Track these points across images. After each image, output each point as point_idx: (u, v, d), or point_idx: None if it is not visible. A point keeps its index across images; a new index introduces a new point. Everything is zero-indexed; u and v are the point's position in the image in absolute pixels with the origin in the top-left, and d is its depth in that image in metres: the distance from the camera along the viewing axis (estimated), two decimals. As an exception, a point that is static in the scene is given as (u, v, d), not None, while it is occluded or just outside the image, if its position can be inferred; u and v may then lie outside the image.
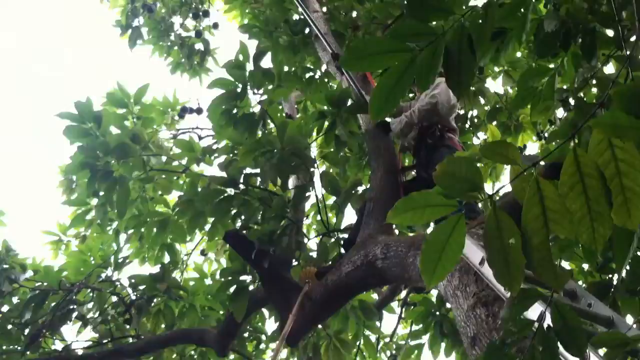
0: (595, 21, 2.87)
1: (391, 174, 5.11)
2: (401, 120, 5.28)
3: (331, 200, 6.43)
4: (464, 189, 1.63)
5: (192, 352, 6.77)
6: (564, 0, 2.59)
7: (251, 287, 5.38)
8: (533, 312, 1.82)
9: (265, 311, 6.69)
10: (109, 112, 6.23)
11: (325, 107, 5.98)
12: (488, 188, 7.29)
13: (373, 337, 6.75)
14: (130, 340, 6.45)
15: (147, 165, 6.17)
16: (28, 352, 6.02)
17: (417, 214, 1.69)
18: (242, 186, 5.49)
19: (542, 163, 1.63)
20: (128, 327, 6.41)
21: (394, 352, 7.58)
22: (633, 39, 2.85)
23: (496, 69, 7.29)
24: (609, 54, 3.18)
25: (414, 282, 3.84)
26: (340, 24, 7.22)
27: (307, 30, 7.38)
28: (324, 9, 7.43)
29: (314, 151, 6.87)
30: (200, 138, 8.08)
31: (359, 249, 4.21)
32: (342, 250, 5.32)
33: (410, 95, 6.14)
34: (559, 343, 1.67)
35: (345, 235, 5.62)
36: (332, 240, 6.00)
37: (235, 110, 5.88)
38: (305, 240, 5.60)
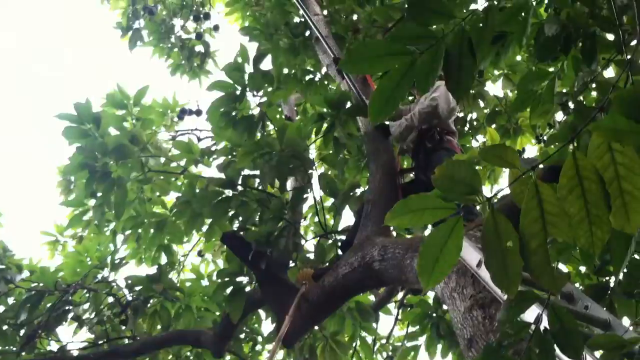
0: (595, 25, 2.88)
1: (390, 176, 5.11)
2: (401, 123, 5.28)
3: (329, 202, 6.43)
4: (462, 192, 1.63)
5: (188, 354, 6.76)
6: (565, 5, 2.59)
7: (248, 289, 5.38)
8: (530, 314, 1.82)
9: (261, 312, 6.69)
10: (108, 113, 6.24)
11: (324, 109, 5.98)
12: (486, 190, 7.30)
13: (369, 339, 6.74)
14: (126, 341, 6.44)
15: (146, 166, 6.17)
16: (23, 353, 6.01)
17: (415, 216, 1.69)
18: (240, 187, 5.49)
19: (541, 166, 1.63)
20: (124, 328, 6.40)
21: (390, 353, 7.58)
22: (633, 43, 2.85)
23: (496, 72, 7.29)
24: (609, 58, 3.19)
25: (411, 284, 3.84)
26: (341, 27, 7.22)
27: (307, 33, 7.39)
28: (325, 12, 7.44)
29: (312, 153, 6.87)
30: (199, 140, 8.09)
31: (356, 250, 4.21)
32: (340, 252, 5.32)
33: (410, 98, 6.14)
34: (555, 346, 1.67)
35: (343, 237, 5.62)
36: (330, 242, 5.99)
37: (234, 113, 5.88)
38: (303, 241, 5.60)
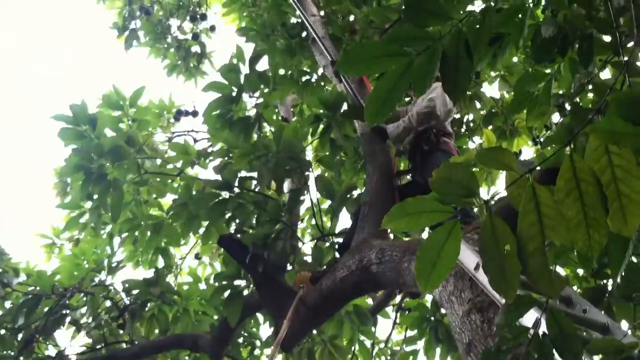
0: (592, 27, 2.87)
1: (386, 178, 5.11)
2: (399, 125, 5.27)
3: (326, 204, 6.42)
4: (459, 195, 1.62)
5: (186, 358, 6.74)
6: (562, 6, 2.59)
7: (245, 292, 5.37)
8: (528, 318, 1.81)
9: (259, 316, 6.67)
10: (104, 114, 6.21)
11: (321, 111, 5.97)
12: (483, 192, 7.29)
13: (368, 343, 6.73)
14: (124, 345, 6.42)
15: (142, 168, 6.16)
16: (21, 358, 5.99)
17: (412, 219, 1.68)
18: (236, 189, 5.47)
19: (537, 168, 1.62)
20: (122, 332, 6.37)
21: (389, 357, 7.57)
22: (630, 45, 2.85)
23: (492, 73, 7.29)
24: (606, 59, 3.18)
25: (409, 287, 3.83)
26: (338, 28, 7.22)
27: (304, 34, 7.38)
28: (322, 13, 7.43)
29: (309, 154, 6.86)
30: (195, 141, 8.07)
31: (353, 253, 4.20)
32: (337, 255, 5.31)
33: (406, 99, 6.13)
34: (554, 350, 1.66)
35: (340, 240, 5.61)
36: (327, 244, 5.98)
37: (230, 114, 5.87)
38: (300, 244, 5.58)
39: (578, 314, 2.06)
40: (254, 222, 5.53)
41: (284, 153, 5.36)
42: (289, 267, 5.41)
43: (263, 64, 6.56)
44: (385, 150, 5.38)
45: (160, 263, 7.00)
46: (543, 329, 1.71)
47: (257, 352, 7.02)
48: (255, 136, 6.02)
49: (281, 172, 5.37)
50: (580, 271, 4.52)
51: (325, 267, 5.33)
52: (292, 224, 5.50)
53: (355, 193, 5.85)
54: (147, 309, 6.30)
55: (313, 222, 6.73)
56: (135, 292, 6.25)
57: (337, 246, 5.54)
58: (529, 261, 1.55)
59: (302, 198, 5.66)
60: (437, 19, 1.90)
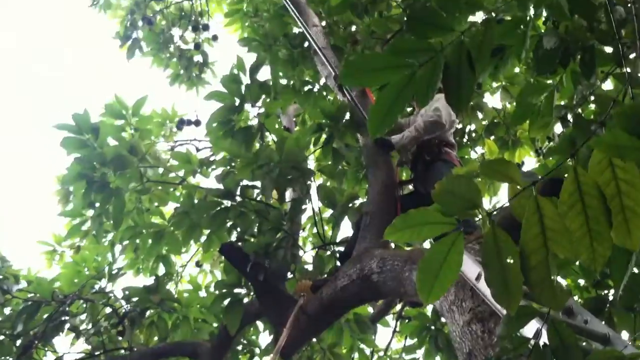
0: (594, 38, 2.88)
1: (388, 187, 5.11)
2: (407, 135, 5.25)
3: (327, 213, 6.42)
4: (462, 207, 1.62)
5: (186, 365, 6.73)
6: (564, 18, 2.59)
7: (246, 300, 5.36)
8: (529, 329, 1.81)
9: (259, 324, 6.66)
10: (107, 123, 6.22)
11: (323, 121, 5.99)
12: (486, 202, 7.29)
13: (367, 351, 6.72)
14: (123, 352, 6.40)
15: (144, 176, 6.15)
16: (20, 363, 5.98)
17: (415, 231, 1.68)
18: (238, 198, 5.48)
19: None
20: (121, 339, 6.36)
21: (388, 366, 7.55)
22: (632, 56, 2.86)
23: (494, 84, 7.31)
24: (608, 71, 3.19)
25: (410, 296, 3.83)
26: (340, 38, 7.24)
27: (306, 44, 7.41)
28: (323, 23, 7.46)
29: (311, 164, 6.87)
30: (197, 150, 8.08)
31: (354, 262, 4.20)
32: (338, 264, 5.31)
33: (408, 110, 6.14)
34: (555, 361, 1.66)
35: (341, 249, 5.61)
36: (328, 253, 5.98)
37: (232, 123, 5.88)
38: (301, 253, 5.58)
39: (579, 324, 2.06)
40: (255, 230, 5.53)
41: (287, 163, 5.37)
42: (290, 276, 5.41)
43: (265, 74, 6.59)
44: (387, 160, 5.39)
45: (161, 271, 6.99)
46: (544, 339, 1.71)
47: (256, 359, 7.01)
48: (257, 145, 6.02)
49: (283, 181, 5.38)
50: (581, 281, 4.52)
51: (326, 275, 5.32)
52: (294, 232, 5.50)
53: (357, 202, 5.85)
54: (146, 316, 6.29)
55: (314, 230, 6.73)
56: (135, 299, 6.24)
57: (338, 255, 5.55)
58: (531, 274, 1.56)
59: (303, 207, 5.66)
60: (440, 30, 1.91)
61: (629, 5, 2.70)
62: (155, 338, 6.41)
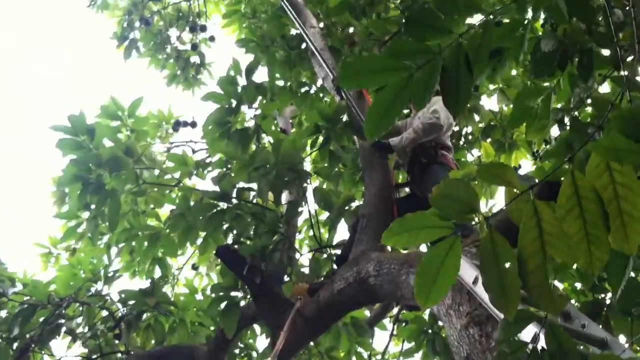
0: (592, 41, 2.88)
1: (385, 190, 5.10)
2: (406, 137, 5.24)
3: (324, 215, 6.41)
4: (460, 211, 1.61)
5: (183, 368, 6.70)
6: (562, 21, 2.59)
7: (242, 303, 5.35)
8: (527, 333, 1.80)
9: (256, 327, 6.64)
10: (103, 124, 6.20)
11: (320, 123, 5.98)
12: (482, 204, 7.27)
13: (365, 354, 6.70)
14: (120, 355, 6.38)
15: (140, 178, 6.14)
16: (17, 367, 5.96)
17: (412, 235, 1.67)
18: (234, 200, 5.47)
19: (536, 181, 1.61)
20: (117, 342, 6.34)
21: (385, 369, 7.53)
22: (630, 59, 2.85)
23: (491, 86, 7.31)
24: (606, 74, 3.19)
25: (407, 299, 3.81)
26: (337, 40, 7.24)
27: (303, 46, 7.40)
28: (321, 25, 7.45)
29: (307, 166, 6.86)
30: (193, 152, 8.06)
31: (351, 265, 4.19)
32: (335, 267, 5.30)
33: (405, 111, 6.14)
34: (553, 366, 1.65)
35: (338, 252, 5.60)
36: (325, 256, 5.97)
37: (229, 125, 5.88)
38: (298, 255, 5.57)
39: (576, 328, 2.05)
40: (251, 233, 5.53)
41: (283, 165, 5.36)
42: (287, 279, 5.40)
43: (262, 75, 6.59)
44: (384, 163, 5.38)
45: (157, 273, 6.97)
46: (542, 343, 1.70)
47: (254, 363, 6.99)
48: (253, 147, 6.01)
49: (280, 183, 5.37)
50: (578, 285, 4.52)
51: (322, 278, 5.31)
52: (290, 235, 5.49)
53: (354, 205, 5.84)
54: (143, 319, 6.28)
55: (311, 233, 6.72)
56: (131, 302, 6.22)
57: (334, 258, 5.54)
58: (529, 278, 1.55)
59: (300, 209, 5.65)
60: (437, 32, 1.90)
61: (627, 8, 2.69)
62: (152, 341, 6.39)
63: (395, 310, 7.23)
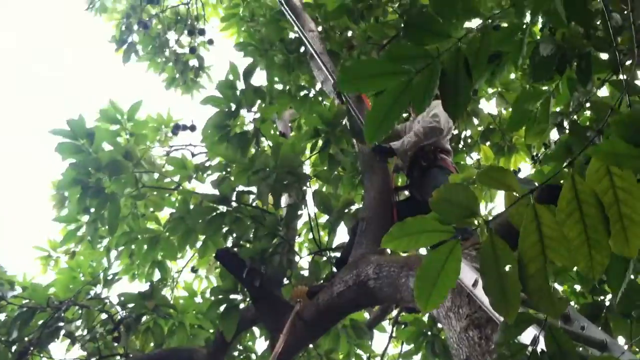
0: (591, 45, 2.89)
1: (384, 193, 5.10)
2: (408, 141, 5.24)
3: (323, 218, 6.41)
4: (460, 215, 1.61)
5: (182, 372, 6.70)
6: (560, 25, 2.60)
7: (242, 306, 5.35)
8: (526, 335, 1.81)
9: (255, 330, 6.64)
10: (102, 128, 6.20)
11: (319, 127, 5.99)
12: (482, 207, 7.26)
13: (364, 357, 6.70)
14: (119, 358, 6.38)
15: (139, 182, 6.15)
16: (15, 370, 5.95)
17: (412, 239, 1.68)
18: (234, 203, 5.47)
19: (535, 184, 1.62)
20: (117, 345, 6.34)
21: (385, 372, 7.53)
22: (628, 63, 2.86)
23: (490, 90, 7.32)
24: (605, 78, 3.19)
25: (406, 302, 3.82)
26: (336, 43, 7.25)
27: (302, 49, 7.41)
28: (320, 28, 7.46)
29: (306, 169, 6.86)
30: (193, 155, 8.06)
31: (351, 268, 4.19)
32: (334, 269, 5.30)
33: (404, 115, 6.14)
34: (553, 368, 1.66)
35: (338, 254, 5.60)
36: (324, 259, 5.97)
37: (228, 128, 5.88)
38: (297, 258, 5.58)
39: (576, 330, 2.05)
40: (251, 236, 5.53)
41: (282, 168, 5.37)
42: (286, 282, 5.40)
43: (261, 79, 6.60)
44: (383, 166, 5.38)
45: (157, 276, 6.97)
46: (541, 346, 1.71)
47: (253, 366, 6.99)
48: (253, 151, 6.02)
49: (279, 186, 5.37)
50: (577, 287, 4.53)
51: (322, 281, 5.31)
52: (290, 238, 5.49)
53: (353, 208, 5.84)
54: (142, 322, 6.27)
55: (310, 236, 6.73)
56: (130, 305, 6.22)
57: (334, 261, 5.54)
58: (530, 282, 1.55)
59: (299, 212, 5.66)
60: (436, 36, 1.90)
61: (626, 12, 2.70)
62: (152, 344, 6.39)
63: (394, 313, 7.23)
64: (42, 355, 6.36)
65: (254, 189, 5.48)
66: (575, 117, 3.32)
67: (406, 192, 5.60)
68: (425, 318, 6.35)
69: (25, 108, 28.09)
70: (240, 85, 5.87)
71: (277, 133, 7.35)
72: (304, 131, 6.91)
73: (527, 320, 1.74)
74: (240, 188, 5.53)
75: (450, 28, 1.88)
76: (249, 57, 7.69)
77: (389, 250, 4.63)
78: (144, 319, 6.26)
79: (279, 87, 7.39)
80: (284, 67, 7.43)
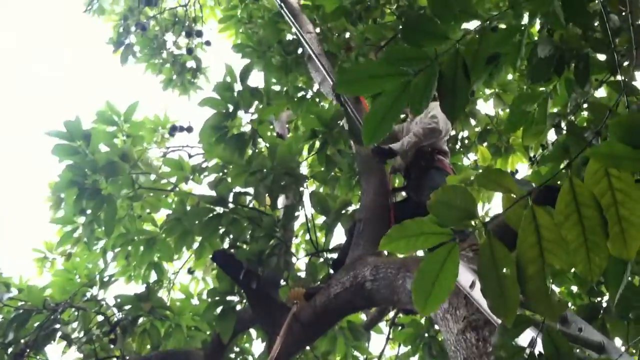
0: (588, 47, 2.89)
1: (381, 195, 5.10)
2: (408, 142, 5.23)
3: (320, 219, 6.40)
4: (458, 217, 1.61)
5: (179, 374, 6.68)
6: (558, 26, 2.60)
7: (238, 308, 5.34)
8: (524, 338, 1.80)
9: (252, 332, 6.63)
10: (99, 130, 6.19)
11: (317, 128, 5.99)
12: (479, 208, 7.26)
13: (361, 358, 6.69)
14: (115, 360, 6.36)
15: (136, 183, 6.14)
16: (11, 372, 5.93)
17: (410, 241, 1.67)
18: (231, 205, 5.46)
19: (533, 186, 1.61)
20: (113, 347, 6.32)
21: (382, 374, 7.51)
22: (626, 64, 2.86)
23: (488, 91, 7.32)
24: (602, 79, 3.20)
25: (403, 304, 3.81)
26: (334, 45, 7.24)
27: (300, 51, 7.41)
28: (317, 30, 7.46)
29: (303, 170, 6.86)
30: (190, 156, 8.05)
31: (348, 270, 4.18)
32: (331, 271, 5.29)
33: (402, 116, 6.13)
34: (550, 370, 1.65)
35: (335, 256, 5.59)
36: (321, 260, 5.96)
37: (225, 130, 5.88)
38: (294, 260, 5.57)
39: (574, 332, 2.05)
40: (248, 237, 5.52)
41: (279, 169, 5.36)
42: (283, 283, 5.39)
43: (259, 80, 6.60)
44: (381, 167, 5.38)
45: (153, 278, 6.96)
46: (539, 348, 1.70)
47: (250, 368, 6.97)
48: (250, 152, 6.01)
49: (276, 188, 5.37)
50: (574, 288, 4.53)
51: (319, 283, 5.30)
52: (287, 239, 5.49)
53: (350, 209, 5.84)
54: (139, 324, 6.25)
55: (307, 237, 6.72)
56: (127, 307, 6.20)
57: (331, 262, 5.53)
58: (528, 284, 1.55)
59: (296, 214, 5.65)
60: (434, 38, 1.90)
61: (624, 13, 2.70)
62: (148, 346, 6.37)
63: (391, 314, 7.23)
64: (38, 357, 6.34)
65: (251, 190, 5.47)
66: (572, 118, 3.32)
67: (403, 194, 5.60)
68: (423, 320, 6.35)
69: (25, 108, 28.07)
70: (238, 86, 5.86)
71: (275, 134, 7.34)
72: (301, 132, 6.90)
73: (524, 322, 1.74)
74: (238, 189, 5.52)
75: (448, 30, 1.88)
76: (246, 58, 7.69)
77: (386, 252, 4.63)
78: (140, 320, 6.24)
79: (277, 88, 7.39)
80: (281, 68, 7.43)
